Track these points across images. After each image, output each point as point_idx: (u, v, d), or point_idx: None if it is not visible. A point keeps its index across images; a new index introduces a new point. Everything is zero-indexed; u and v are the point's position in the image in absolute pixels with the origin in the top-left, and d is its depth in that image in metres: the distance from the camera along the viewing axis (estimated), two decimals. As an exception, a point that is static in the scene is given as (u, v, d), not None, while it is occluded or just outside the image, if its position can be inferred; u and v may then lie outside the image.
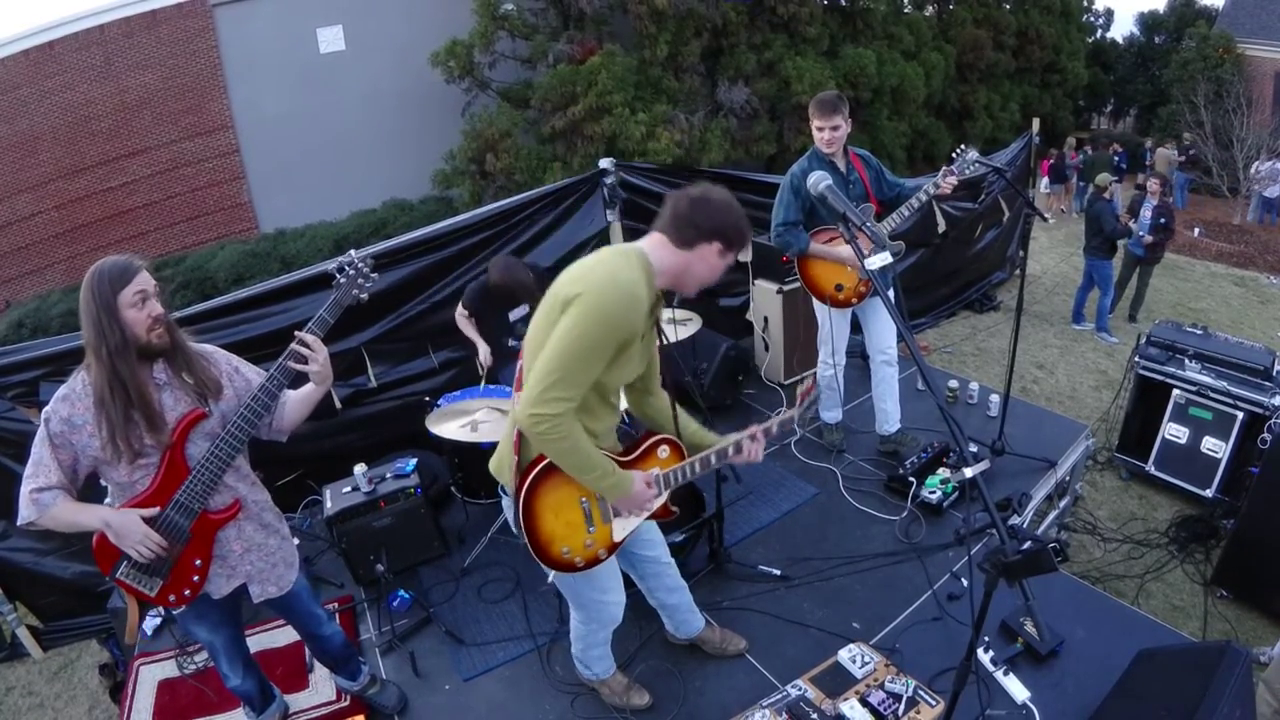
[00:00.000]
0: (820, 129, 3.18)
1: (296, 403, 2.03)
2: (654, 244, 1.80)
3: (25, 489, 1.74)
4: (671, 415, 2.09)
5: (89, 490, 1.87)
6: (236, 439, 1.86)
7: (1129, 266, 7.20)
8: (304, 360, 1.87)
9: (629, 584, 2.86)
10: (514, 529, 1.98)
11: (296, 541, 2.26)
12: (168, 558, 1.86)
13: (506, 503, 2.03)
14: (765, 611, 2.86)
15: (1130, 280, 7.30)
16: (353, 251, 2.03)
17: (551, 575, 2.03)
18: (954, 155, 3.32)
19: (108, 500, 1.90)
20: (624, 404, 2.15)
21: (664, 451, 2.04)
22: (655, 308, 1.84)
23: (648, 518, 2.06)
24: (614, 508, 1.97)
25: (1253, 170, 12.89)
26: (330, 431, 3.97)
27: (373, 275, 1.98)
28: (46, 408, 1.77)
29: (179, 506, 1.83)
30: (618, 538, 2.02)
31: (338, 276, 1.95)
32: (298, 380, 1.93)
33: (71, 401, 1.76)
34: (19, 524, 1.77)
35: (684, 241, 1.76)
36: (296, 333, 1.88)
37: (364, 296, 1.98)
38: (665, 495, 2.04)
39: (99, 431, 1.74)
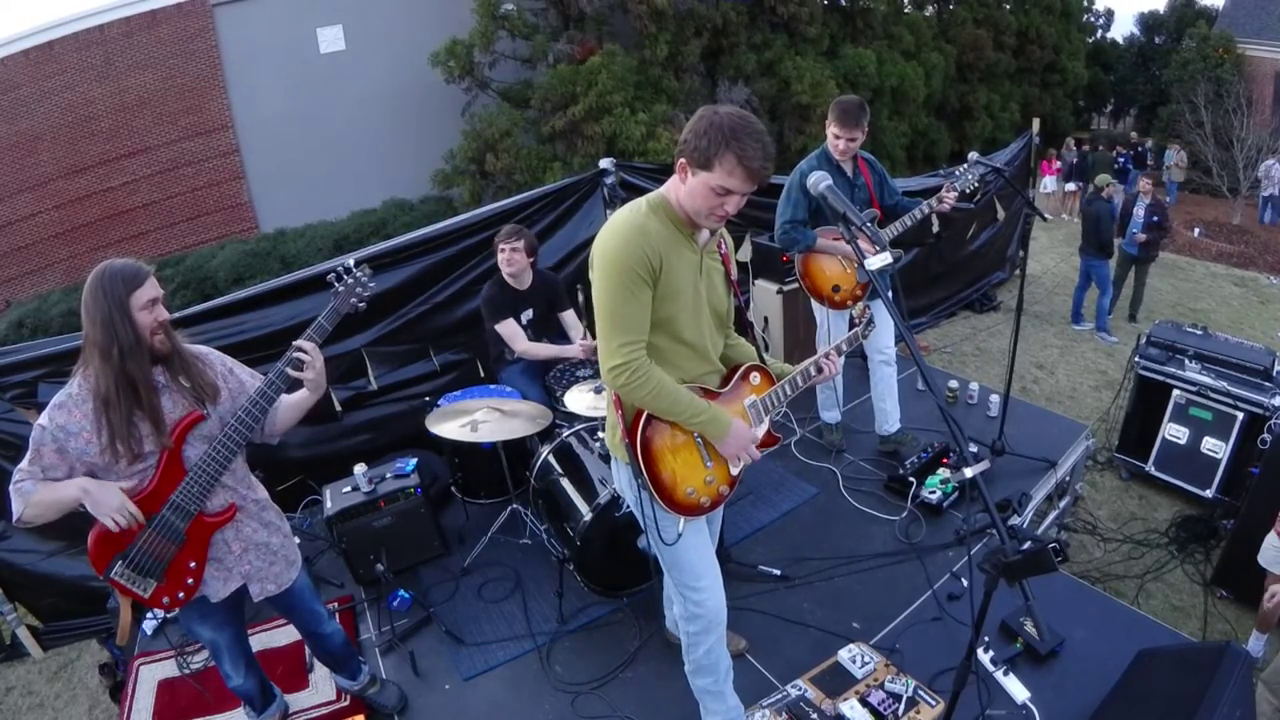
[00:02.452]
0: (838, 136, 3.20)
1: (289, 408, 2.04)
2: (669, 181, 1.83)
3: (12, 482, 1.77)
4: (756, 355, 2.17)
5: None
6: (234, 441, 1.86)
7: (1124, 265, 7.21)
8: (301, 367, 1.87)
9: (642, 579, 2.85)
10: (626, 494, 2.04)
11: (297, 541, 2.26)
12: (161, 558, 1.86)
13: (618, 469, 2.06)
14: (765, 611, 2.86)
15: (1126, 279, 7.31)
16: (350, 259, 2.03)
17: (680, 525, 1.96)
18: (956, 171, 3.36)
19: None
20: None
21: (755, 378, 2.08)
22: (689, 239, 1.82)
23: (757, 447, 2.06)
24: (721, 450, 1.96)
25: (1261, 170, 12.84)
26: (330, 435, 3.95)
27: (370, 284, 1.99)
28: (43, 413, 1.77)
29: (175, 508, 1.84)
30: (735, 471, 2.04)
31: (336, 285, 1.95)
32: (294, 385, 1.94)
33: (68, 409, 1.75)
34: (14, 521, 1.78)
35: (680, 169, 1.76)
36: (295, 342, 1.88)
37: (362, 305, 1.99)
38: (766, 423, 2.07)
39: (97, 436, 1.74)
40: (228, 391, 1.94)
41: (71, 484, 1.75)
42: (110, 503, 1.74)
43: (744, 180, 1.66)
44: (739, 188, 1.67)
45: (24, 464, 1.77)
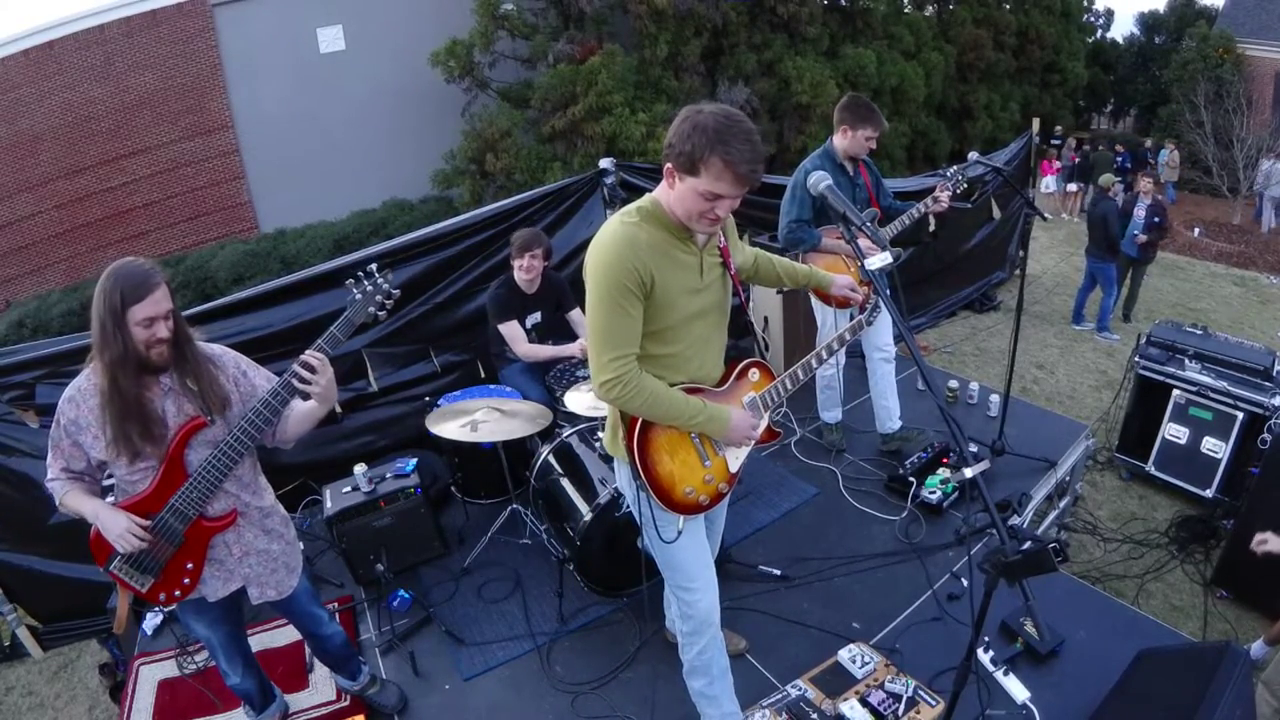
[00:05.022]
0: (870, 138, 3.23)
1: (299, 417, 1.99)
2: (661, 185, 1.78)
3: (46, 480, 1.86)
4: (784, 265, 2.26)
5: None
6: (237, 448, 1.85)
7: (1122, 267, 7.21)
8: (307, 381, 1.82)
9: (642, 579, 2.85)
10: (626, 492, 2.05)
11: (301, 546, 2.25)
12: (159, 557, 1.87)
13: (619, 467, 2.06)
14: (765, 611, 2.86)
15: (1124, 280, 7.31)
16: (373, 265, 1.93)
17: (679, 524, 1.96)
18: (948, 172, 3.43)
19: (109, 481, 1.92)
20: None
21: (754, 374, 2.07)
22: (685, 242, 1.79)
23: (755, 443, 2.06)
24: (726, 442, 1.98)
25: (1263, 170, 12.79)
26: (330, 438, 3.95)
27: (395, 292, 1.91)
28: (57, 408, 1.79)
29: (174, 511, 1.84)
30: (734, 468, 2.04)
31: (353, 291, 1.87)
32: (305, 394, 1.89)
33: (76, 403, 1.77)
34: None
35: (667, 174, 1.71)
36: (303, 356, 1.83)
37: (382, 314, 1.91)
38: (766, 418, 2.06)
39: (102, 431, 1.75)
40: (238, 395, 1.91)
41: (87, 504, 1.83)
42: (114, 529, 1.79)
43: (733, 184, 1.60)
44: (728, 192, 1.61)
45: (49, 460, 1.83)
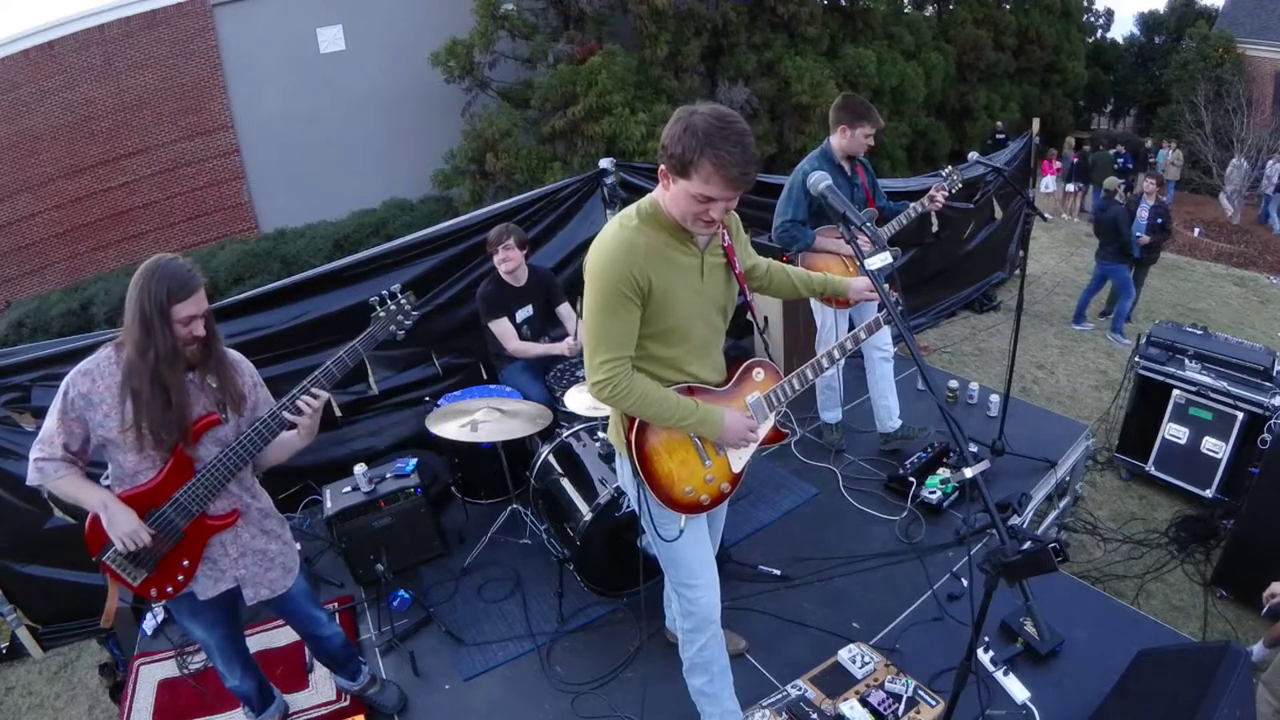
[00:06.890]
0: (868, 135, 3.25)
1: (280, 444, 2.00)
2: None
3: (32, 454, 1.79)
4: (796, 275, 2.25)
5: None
6: (246, 451, 1.87)
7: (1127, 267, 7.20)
8: (299, 412, 1.85)
9: (642, 579, 2.85)
10: (626, 489, 2.05)
11: (298, 546, 2.26)
12: (156, 553, 1.87)
13: (622, 465, 2.05)
14: (765, 611, 2.86)
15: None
16: (396, 286, 2.00)
17: (680, 523, 1.96)
18: (943, 173, 3.46)
19: (105, 480, 1.91)
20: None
21: (759, 374, 2.05)
22: (685, 243, 1.78)
23: (761, 443, 2.04)
24: (722, 444, 1.97)
25: (1267, 170, 12.77)
26: (331, 441, 3.93)
27: (414, 313, 1.97)
28: (66, 376, 1.77)
29: (178, 506, 1.84)
30: (736, 468, 2.03)
31: (378, 310, 1.94)
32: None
33: (94, 377, 1.75)
34: (27, 484, 1.82)
35: (661, 175, 1.71)
36: (309, 386, 1.88)
37: (401, 334, 1.98)
38: (771, 418, 2.04)
39: (119, 415, 1.74)
40: (251, 403, 1.95)
41: (94, 494, 1.80)
42: (123, 526, 1.78)
43: (723, 187, 1.59)
44: (719, 194, 1.61)
45: (44, 435, 1.78)
